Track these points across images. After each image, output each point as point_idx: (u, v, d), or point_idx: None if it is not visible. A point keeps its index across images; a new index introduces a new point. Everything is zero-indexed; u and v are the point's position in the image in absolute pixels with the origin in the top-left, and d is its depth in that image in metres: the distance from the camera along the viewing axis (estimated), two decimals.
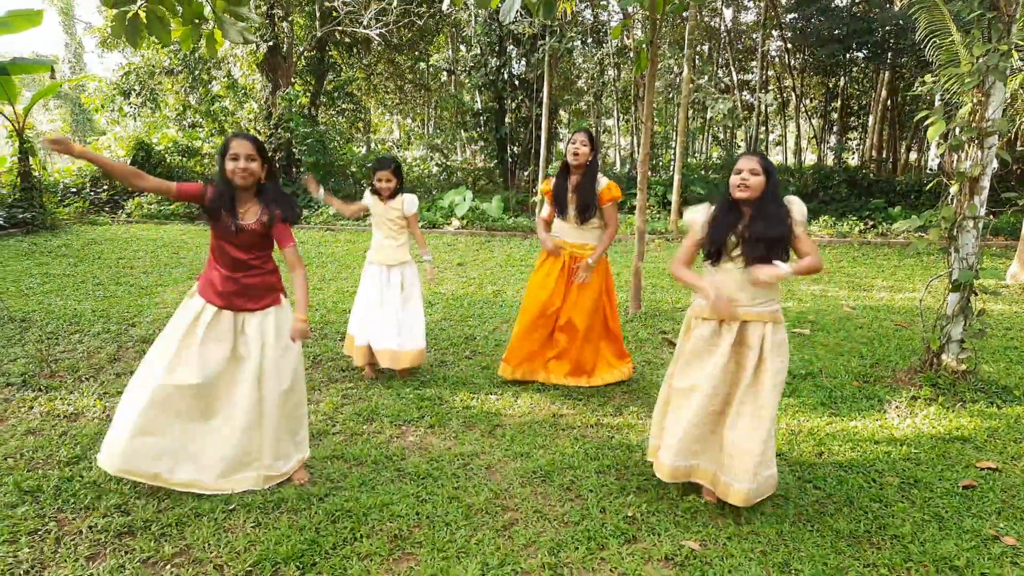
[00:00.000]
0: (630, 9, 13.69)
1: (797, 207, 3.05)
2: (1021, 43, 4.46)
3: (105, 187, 15.08)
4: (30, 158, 12.19)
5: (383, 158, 4.78)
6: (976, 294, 4.66)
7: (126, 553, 2.70)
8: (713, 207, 3.14)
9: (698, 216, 3.17)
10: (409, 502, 3.12)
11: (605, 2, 19.36)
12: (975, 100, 4.51)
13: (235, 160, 3.03)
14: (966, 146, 4.56)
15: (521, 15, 14.06)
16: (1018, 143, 14.60)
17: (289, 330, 3.17)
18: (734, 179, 3.05)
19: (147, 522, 2.90)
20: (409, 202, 4.68)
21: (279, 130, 16.04)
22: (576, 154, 4.45)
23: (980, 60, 4.40)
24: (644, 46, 6.54)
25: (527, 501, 3.17)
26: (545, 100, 14.38)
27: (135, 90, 16.56)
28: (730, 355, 3.05)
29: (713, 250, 3.08)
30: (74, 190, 14.81)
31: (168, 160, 15.99)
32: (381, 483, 3.30)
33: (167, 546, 2.74)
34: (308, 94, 17.32)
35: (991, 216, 4.76)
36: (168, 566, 2.64)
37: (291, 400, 3.24)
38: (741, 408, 3.01)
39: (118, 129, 18.55)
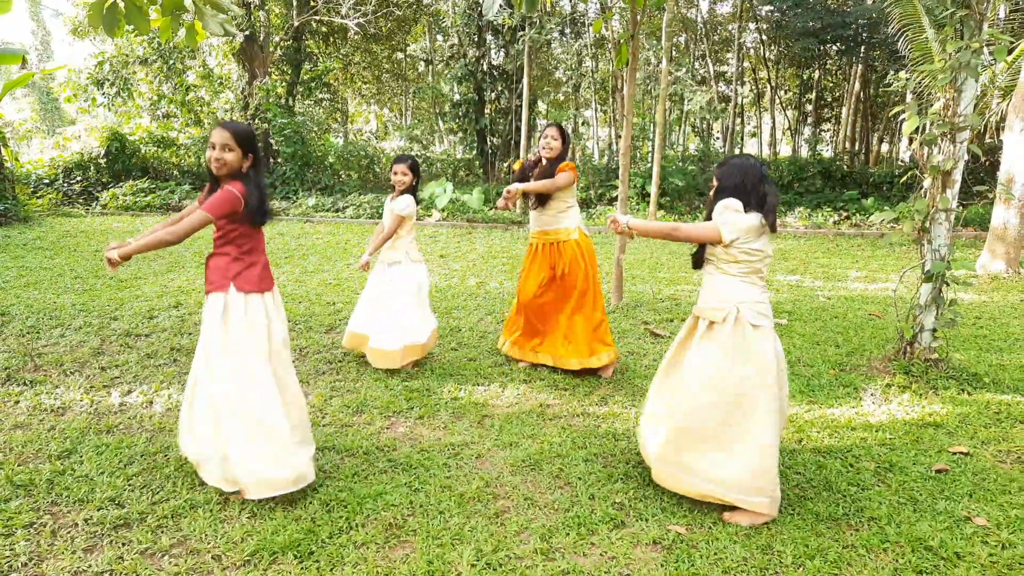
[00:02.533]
0: (609, 1, 13.74)
1: None
2: (992, 39, 4.58)
3: (78, 178, 14.85)
4: (1, 149, 11.97)
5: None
6: (948, 284, 4.80)
7: (123, 545, 2.73)
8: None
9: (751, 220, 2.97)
10: (402, 491, 3.17)
11: None
12: (947, 96, 4.64)
13: (212, 149, 2.99)
14: (939, 140, 4.70)
15: (502, 7, 14.05)
16: (987, 136, 14.93)
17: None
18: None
19: (142, 514, 2.93)
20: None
21: (256, 120, 15.89)
22: (550, 148, 4.73)
23: (953, 57, 4.52)
24: (624, 40, 6.61)
25: (518, 489, 3.24)
26: (525, 91, 14.42)
27: (108, 79, 16.30)
28: None
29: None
30: (47, 181, 14.58)
31: (143, 151, 15.76)
32: (374, 473, 3.35)
33: (164, 537, 2.77)
34: (285, 84, 17.17)
35: (962, 208, 4.91)
36: (166, 557, 2.67)
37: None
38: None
39: (89, 119, 18.24)
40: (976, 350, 5.56)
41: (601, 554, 2.75)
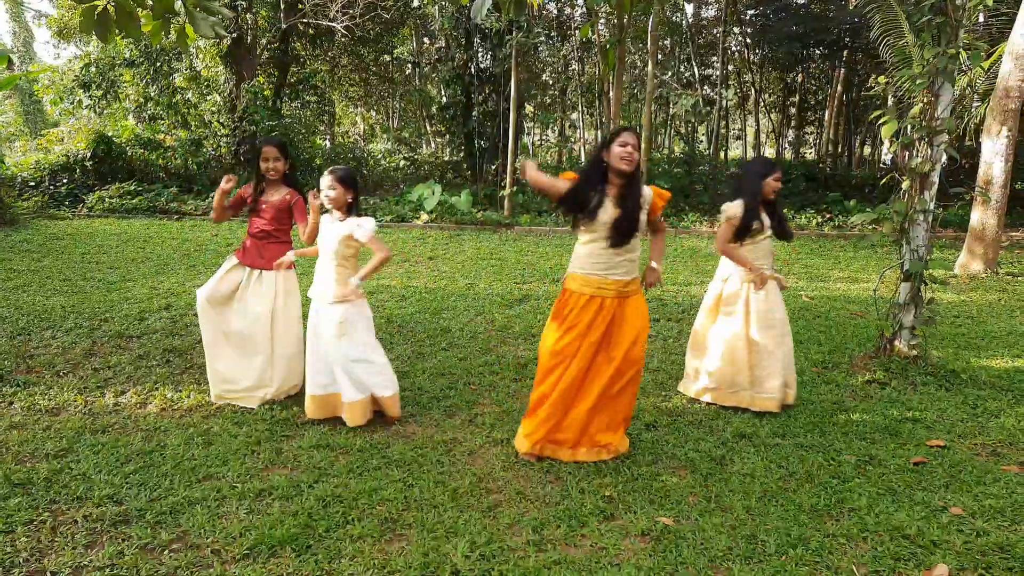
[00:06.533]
0: (596, 6, 13.84)
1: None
2: (969, 45, 4.72)
3: (64, 180, 14.76)
4: None
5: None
6: (926, 284, 4.93)
7: (123, 540, 2.78)
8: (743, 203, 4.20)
9: (736, 208, 4.22)
10: (397, 487, 3.24)
11: None
12: (925, 100, 4.77)
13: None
14: (917, 144, 4.83)
15: (490, 11, 14.13)
16: (966, 139, 15.18)
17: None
18: (772, 183, 4.21)
19: (141, 511, 2.98)
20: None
21: (243, 123, 15.86)
22: (631, 160, 3.42)
23: (930, 62, 4.65)
24: (611, 45, 6.71)
25: (510, 484, 3.32)
26: (513, 95, 14.49)
27: (95, 82, 16.20)
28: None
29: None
30: (32, 184, 14.48)
31: (130, 153, 15.69)
32: (368, 470, 3.42)
33: (163, 533, 2.83)
34: (272, 86, 17.15)
35: (941, 209, 5.05)
36: (166, 552, 2.72)
37: None
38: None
39: (73, 121, 18.12)
40: (954, 348, 5.70)
41: (591, 545, 2.84)
